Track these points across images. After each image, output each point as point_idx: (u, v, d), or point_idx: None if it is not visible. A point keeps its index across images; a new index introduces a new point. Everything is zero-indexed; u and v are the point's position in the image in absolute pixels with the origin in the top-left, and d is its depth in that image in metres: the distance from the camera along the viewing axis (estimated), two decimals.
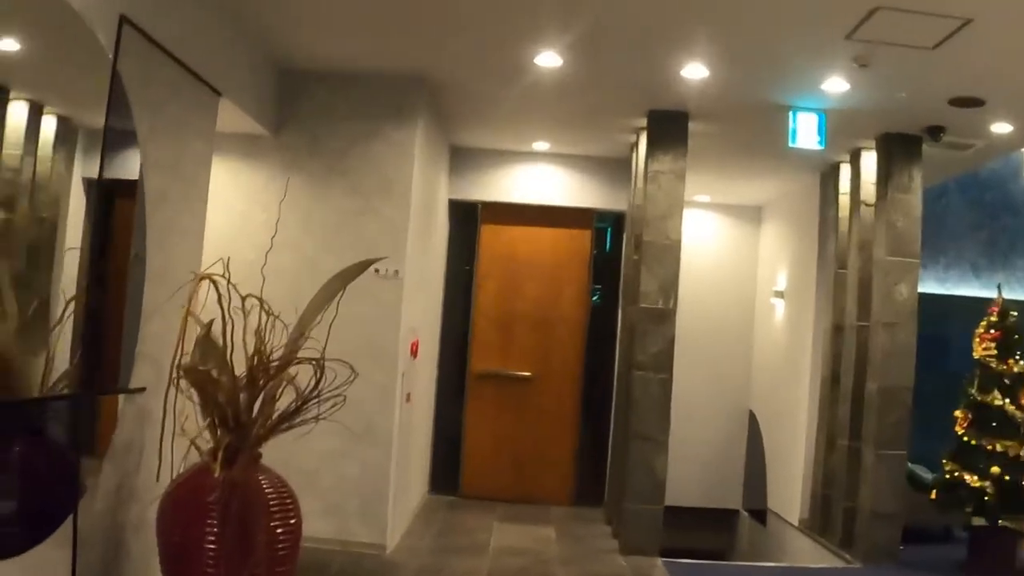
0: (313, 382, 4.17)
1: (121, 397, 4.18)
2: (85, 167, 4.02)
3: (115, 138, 4.04)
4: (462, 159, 8.66)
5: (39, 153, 3.65)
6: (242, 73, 5.63)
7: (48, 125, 3.73)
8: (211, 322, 4.02)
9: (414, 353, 6.90)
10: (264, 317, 4.18)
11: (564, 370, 8.81)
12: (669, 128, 6.87)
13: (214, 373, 3.99)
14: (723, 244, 10.04)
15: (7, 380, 3.51)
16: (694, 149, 6.97)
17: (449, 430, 8.79)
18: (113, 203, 4.25)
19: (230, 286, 4.09)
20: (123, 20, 3.91)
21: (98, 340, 4.20)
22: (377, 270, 6.03)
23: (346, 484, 6.16)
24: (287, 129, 6.34)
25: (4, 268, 3.54)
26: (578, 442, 8.83)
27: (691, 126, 6.86)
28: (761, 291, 9.88)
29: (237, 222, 6.17)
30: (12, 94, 3.48)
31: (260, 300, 4.20)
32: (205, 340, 3.99)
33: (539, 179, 8.71)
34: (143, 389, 4.24)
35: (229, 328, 4.10)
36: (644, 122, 7.02)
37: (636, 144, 7.59)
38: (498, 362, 8.78)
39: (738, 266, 9.99)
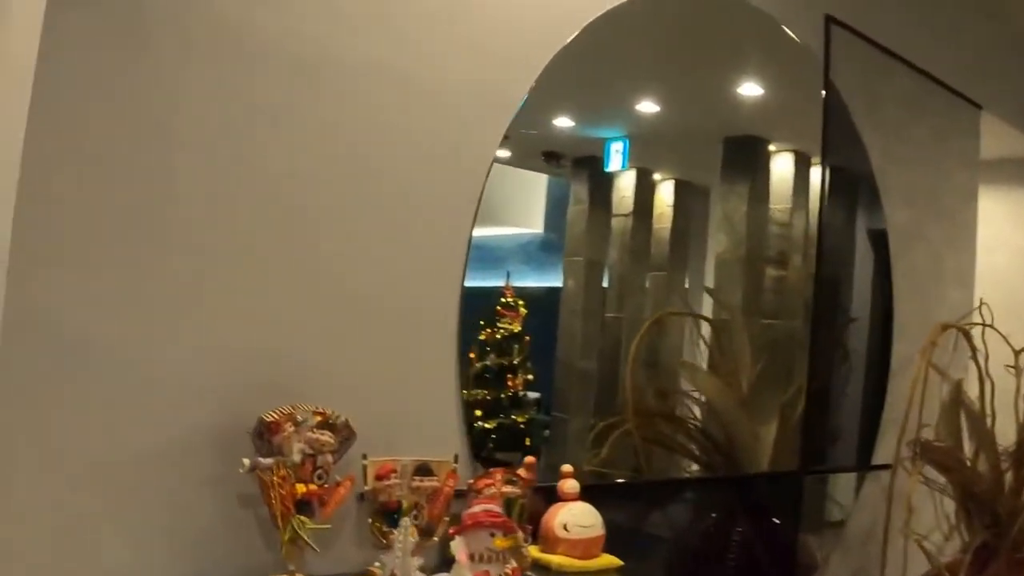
0: None
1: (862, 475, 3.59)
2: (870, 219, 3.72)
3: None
4: None
5: (811, 206, 3.40)
6: (1005, 78, 4.54)
7: (817, 175, 3.42)
8: (959, 382, 3.24)
9: None
10: None
11: None
12: None
13: (967, 450, 3.20)
14: None
15: (732, 452, 3.17)
16: None
17: None
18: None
19: (995, 336, 3.30)
20: (829, 20, 3.28)
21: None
22: None
23: None
24: None
25: (741, 326, 3.23)
26: None
27: None
28: None
29: (1018, 263, 5.21)
30: (774, 146, 3.30)
31: None
32: (952, 407, 3.21)
33: None
34: (888, 466, 3.48)
35: (989, 391, 3.31)
36: None
37: None
38: None
39: None
